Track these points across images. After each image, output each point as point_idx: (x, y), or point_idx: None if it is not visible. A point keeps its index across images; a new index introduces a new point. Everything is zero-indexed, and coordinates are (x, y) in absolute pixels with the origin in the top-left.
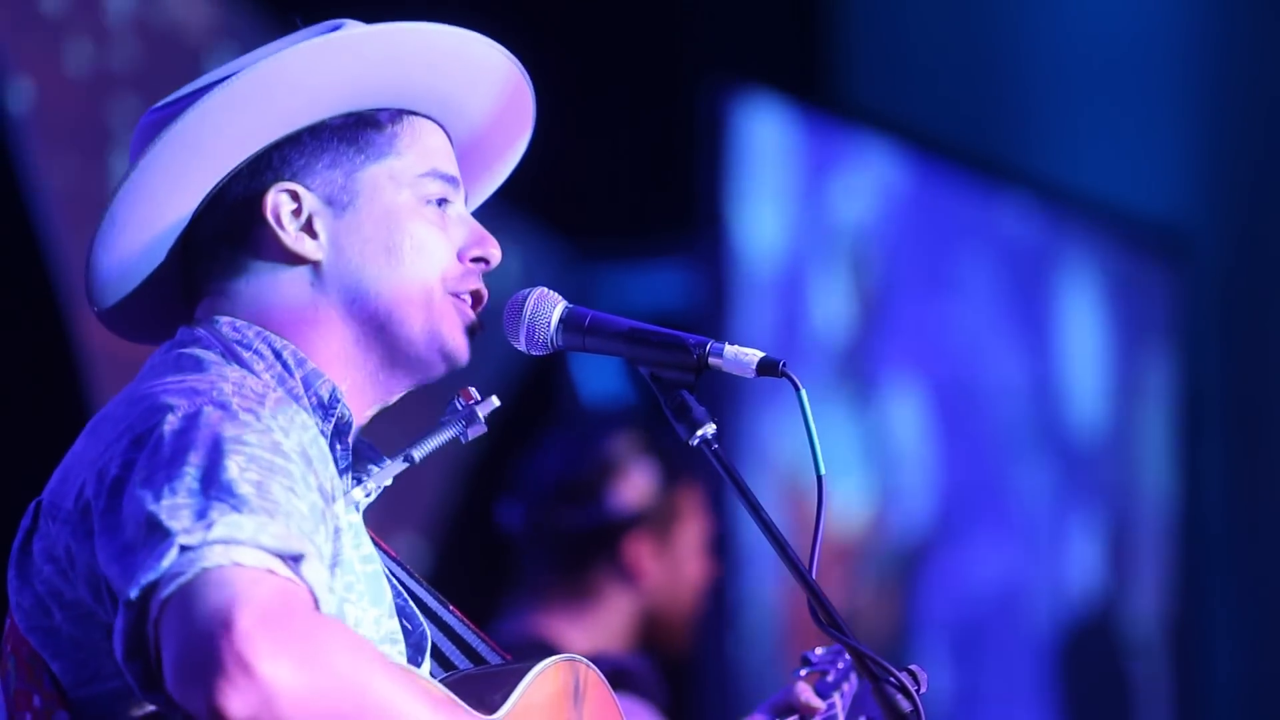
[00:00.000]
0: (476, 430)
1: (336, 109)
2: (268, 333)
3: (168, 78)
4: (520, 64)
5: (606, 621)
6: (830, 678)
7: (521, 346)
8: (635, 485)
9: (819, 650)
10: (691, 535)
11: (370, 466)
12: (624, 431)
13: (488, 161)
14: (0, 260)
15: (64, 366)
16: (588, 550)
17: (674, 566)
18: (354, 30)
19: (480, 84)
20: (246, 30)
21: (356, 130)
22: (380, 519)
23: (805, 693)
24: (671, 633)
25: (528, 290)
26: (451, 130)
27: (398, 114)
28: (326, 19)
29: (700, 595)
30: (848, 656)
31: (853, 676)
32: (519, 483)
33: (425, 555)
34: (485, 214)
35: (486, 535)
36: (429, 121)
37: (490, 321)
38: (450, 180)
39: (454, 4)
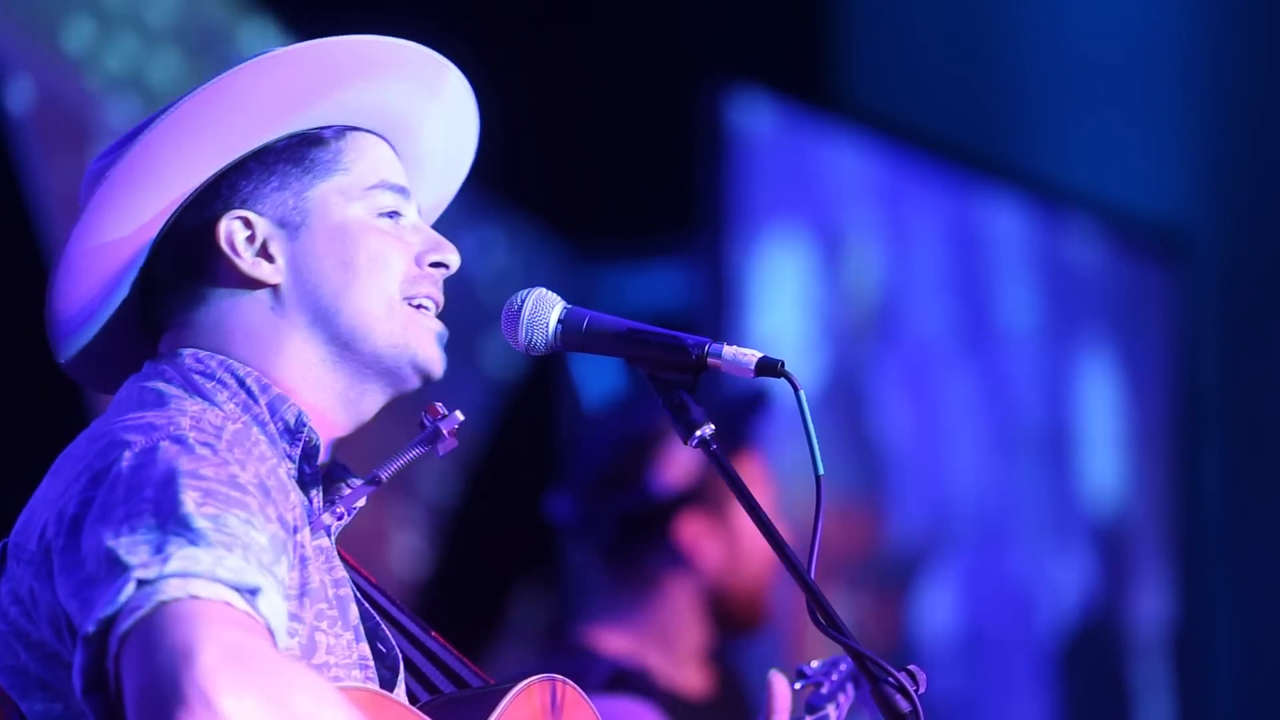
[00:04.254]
0: (446, 446)
1: (279, 131)
2: (230, 360)
3: (168, 78)
4: (456, 67)
5: (669, 606)
6: (825, 689)
7: (520, 348)
8: (679, 463)
9: (814, 663)
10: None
11: (341, 489)
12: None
13: (436, 167)
14: (0, 260)
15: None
16: (639, 536)
17: (733, 542)
18: (285, 48)
19: (414, 89)
20: (247, 30)
21: (301, 150)
22: (380, 519)
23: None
24: (741, 611)
25: (526, 291)
26: (397, 143)
27: (341, 130)
28: (324, 22)
29: (771, 566)
30: (843, 668)
31: (849, 688)
32: (565, 475)
33: (424, 556)
34: (486, 213)
35: (485, 536)
36: (373, 136)
37: (489, 322)
38: (400, 190)
39: (451, 7)
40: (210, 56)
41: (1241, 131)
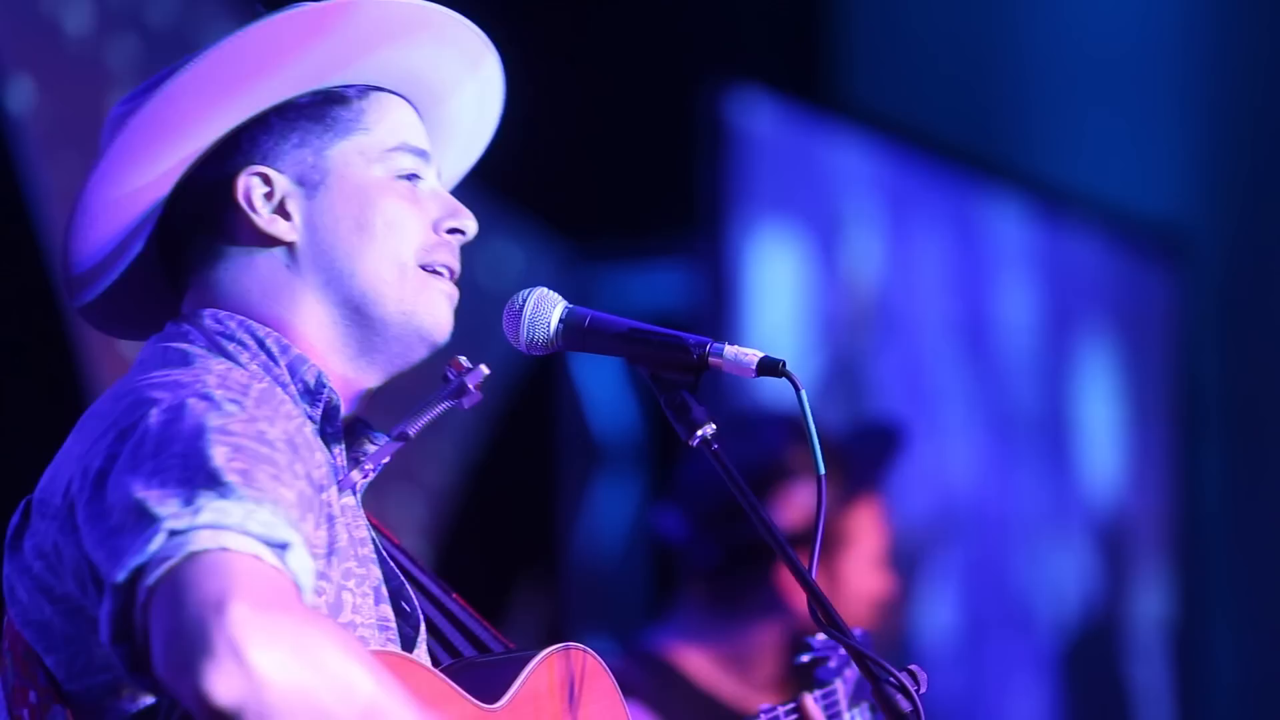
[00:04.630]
0: (471, 399)
1: (302, 87)
2: (250, 321)
3: None
4: (484, 33)
5: (755, 640)
6: (832, 664)
7: (521, 347)
8: (796, 505)
9: (820, 636)
10: (857, 561)
11: (366, 446)
12: (794, 443)
13: (460, 137)
14: (0, 260)
15: (64, 366)
16: (742, 569)
17: (833, 591)
18: (313, 3)
19: (444, 55)
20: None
21: (323, 108)
22: (380, 518)
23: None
24: None
25: (527, 291)
26: (421, 106)
27: (364, 90)
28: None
29: (874, 614)
30: None
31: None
32: (678, 487)
33: (425, 556)
34: (486, 213)
35: (485, 535)
36: (396, 97)
37: (490, 322)
38: (420, 154)
39: (451, 7)
40: None
41: (1241, 131)
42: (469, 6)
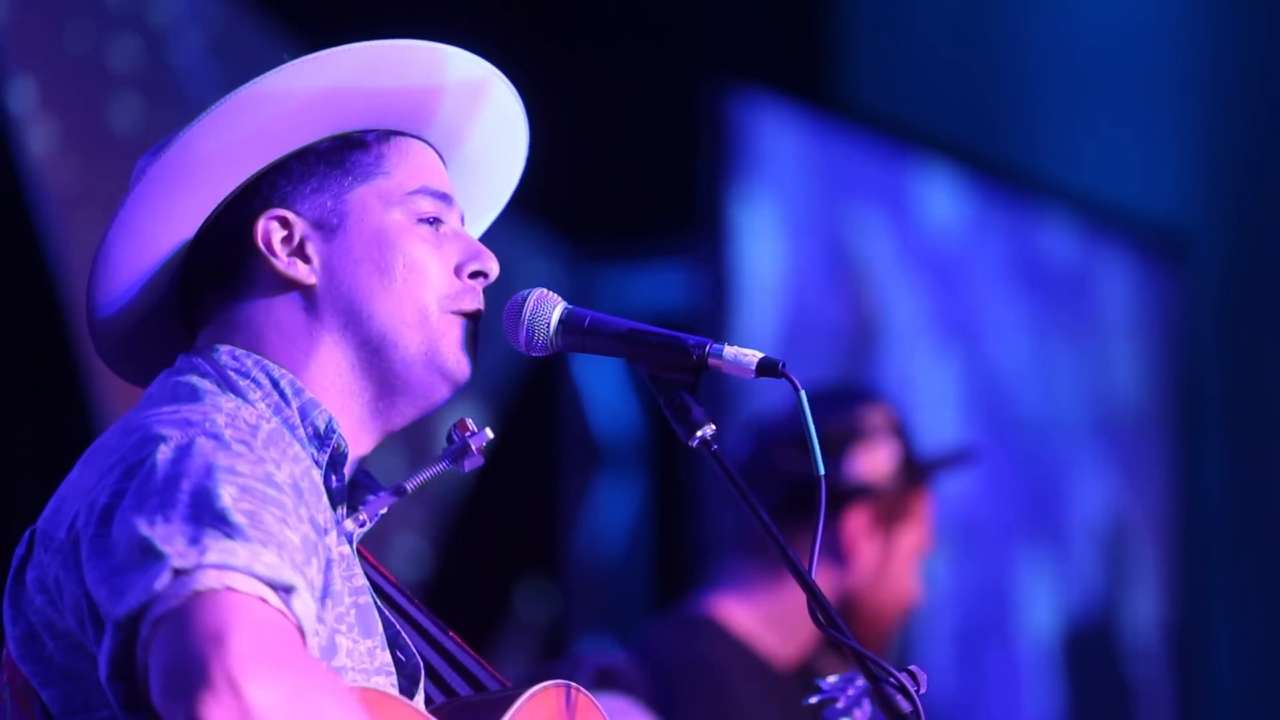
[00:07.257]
0: (473, 462)
1: (321, 132)
2: (266, 361)
3: (168, 78)
4: (505, 76)
5: (796, 605)
6: (840, 704)
7: (521, 348)
8: (877, 460)
9: (831, 678)
10: (911, 540)
11: (367, 496)
12: (884, 407)
13: (484, 182)
14: (0, 261)
15: (64, 366)
16: (802, 510)
17: (886, 561)
18: (330, 50)
19: (464, 98)
20: (248, 31)
21: (343, 152)
22: (380, 521)
23: None
24: (866, 626)
25: (527, 291)
26: (444, 151)
27: (385, 134)
28: (326, 23)
29: (902, 612)
30: (860, 684)
31: (865, 703)
32: (759, 422)
33: (425, 557)
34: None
35: (487, 536)
36: (417, 141)
37: (490, 323)
38: (442, 197)
39: (456, 6)
40: (212, 57)
41: (1242, 131)
42: (470, 8)
